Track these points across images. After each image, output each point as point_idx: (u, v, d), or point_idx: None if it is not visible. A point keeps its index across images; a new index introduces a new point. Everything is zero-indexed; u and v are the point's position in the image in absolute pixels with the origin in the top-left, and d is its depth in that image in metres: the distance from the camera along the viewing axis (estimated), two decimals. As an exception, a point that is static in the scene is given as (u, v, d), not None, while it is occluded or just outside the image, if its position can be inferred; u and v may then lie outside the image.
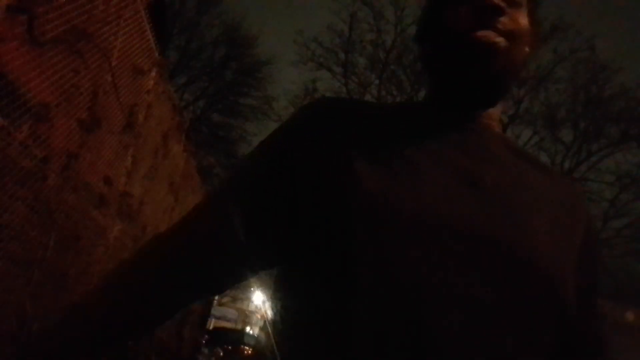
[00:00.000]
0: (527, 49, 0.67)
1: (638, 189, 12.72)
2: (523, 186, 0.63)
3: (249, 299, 27.15)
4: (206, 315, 13.56)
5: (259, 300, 24.39)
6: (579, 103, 13.23)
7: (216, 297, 17.51)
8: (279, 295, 0.63)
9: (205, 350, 12.73)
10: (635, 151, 12.78)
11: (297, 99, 14.18)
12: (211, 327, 17.34)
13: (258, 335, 16.37)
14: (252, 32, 22.02)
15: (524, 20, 0.66)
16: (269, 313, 0.67)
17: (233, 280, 0.67)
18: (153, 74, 3.85)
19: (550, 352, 0.58)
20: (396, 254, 0.53)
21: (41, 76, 2.36)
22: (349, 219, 0.55)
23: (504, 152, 0.65)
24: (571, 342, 0.61)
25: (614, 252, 12.99)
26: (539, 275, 0.56)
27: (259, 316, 26.68)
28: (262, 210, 0.62)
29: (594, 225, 0.70)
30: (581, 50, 13.00)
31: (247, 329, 23.35)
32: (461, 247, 0.54)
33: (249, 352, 13.56)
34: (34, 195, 2.46)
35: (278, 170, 0.62)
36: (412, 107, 0.73)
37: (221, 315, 25.85)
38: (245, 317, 28.73)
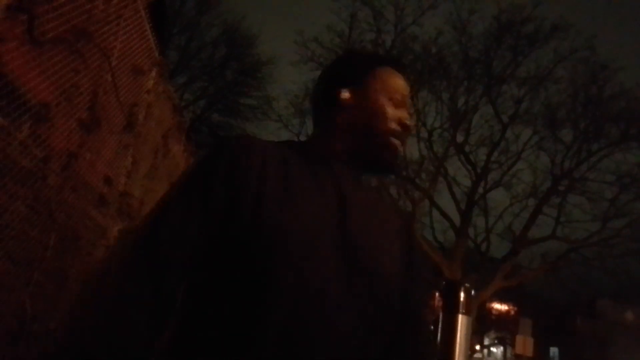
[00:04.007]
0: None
1: (638, 189, 12.71)
2: (378, 219, 0.88)
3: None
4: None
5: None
6: (579, 103, 13.23)
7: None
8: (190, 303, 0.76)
9: None
10: (635, 151, 12.79)
11: (297, 98, 14.19)
12: None
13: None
14: (252, 32, 22.01)
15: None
16: None
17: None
18: (153, 73, 3.85)
19: (394, 330, 0.83)
20: (298, 267, 0.73)
21: (41, 76, 2.36)
22: (259, 240, 0.74)
23: (370, 195, 0.92)
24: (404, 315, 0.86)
25: (614, 252, 12.99)
26: (382, 278, 0.81)
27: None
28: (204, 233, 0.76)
29: (413, 233, 0.97)
30: (581, 50, 13.03)
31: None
32: (336, 257, 0.77)
33: None
34: (34, 195, 2.46)
35: (209, 204, 0.77)
36: (309, 149, 0.93)
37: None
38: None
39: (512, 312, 27.18)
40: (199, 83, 17.48)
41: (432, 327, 0.90)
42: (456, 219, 13.90)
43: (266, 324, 0.69)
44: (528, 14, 13.09)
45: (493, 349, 31.92)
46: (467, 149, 14.03)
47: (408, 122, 0.92)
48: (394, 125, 0.91)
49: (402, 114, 0.93)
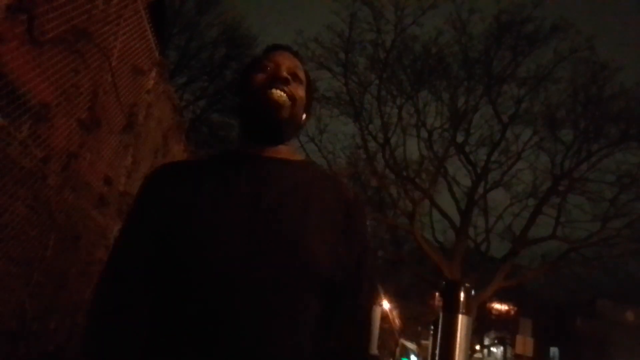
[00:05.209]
0: (303, 114, 1.02)
1: (638, 189, 12.70)
2: (297, 196, 0.93)
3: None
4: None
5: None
6: (579, 103, 13.22)
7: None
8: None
9: None
10: (635, 151, 12.78)
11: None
12: None
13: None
14: (252, 32, 22.00)
15: (302, 92, 1.00)
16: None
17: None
18: (153, 74, 3.85)
19: (319, 308, 0.89)
20: (201, 269, 0.85)
21: (41, 76, 2.36)
22: (174, 242, 0.88)
23: (287, 172, 0.96)
24: (341, 292, 0.93)
25: (613, 252, 12.98)
26: (301, 261, 0.87)
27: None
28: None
29: (355, 204, 1.00)
30: (581, 50, 13.03)
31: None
32: (243, 253, 0.85)
33: None
34: (34, 195, 2.45)
35: (145, 226, 0.94)
36: (223, 154, 1.04)
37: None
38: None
39: (512, 312, 27.15)
40: (199, 83, 17.49)
41: (370, 288, 0.99)
42: (456, 219, 13.92)
43: (185, 311, 0.84)
44: (528, 14, 13.10)
45: (493, 349, 31.89)
46: (467, 149, 14.05)
47: (279, 73, 0.96)
48: (264, 82, 0.96)
49: (273, 72, 0.98)
